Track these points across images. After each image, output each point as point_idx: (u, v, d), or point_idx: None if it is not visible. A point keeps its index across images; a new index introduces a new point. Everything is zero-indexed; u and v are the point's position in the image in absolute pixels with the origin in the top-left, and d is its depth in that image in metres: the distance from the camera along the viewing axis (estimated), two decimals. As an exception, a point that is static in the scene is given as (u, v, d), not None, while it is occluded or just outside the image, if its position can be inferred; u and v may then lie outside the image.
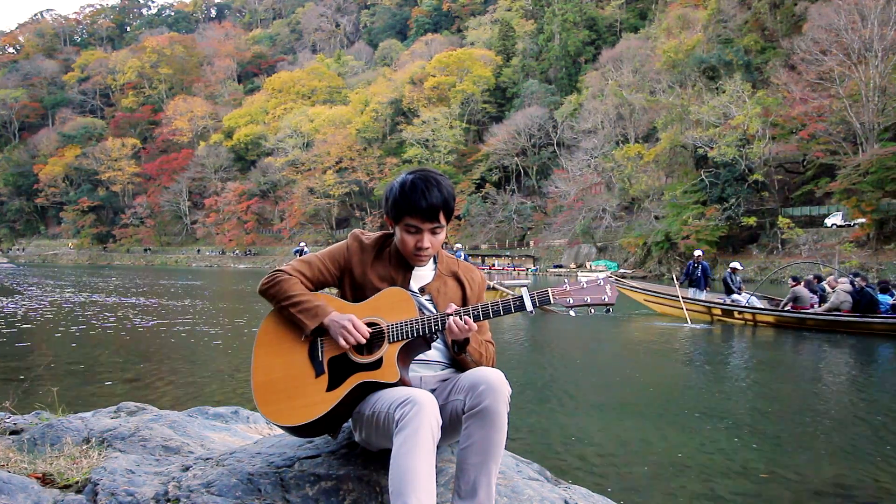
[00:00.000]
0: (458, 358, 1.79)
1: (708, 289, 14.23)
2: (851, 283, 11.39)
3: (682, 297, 13.33)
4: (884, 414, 5.61)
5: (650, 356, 9.15)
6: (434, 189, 1.70)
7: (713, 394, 6.48)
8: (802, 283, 12.47)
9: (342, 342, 1.68)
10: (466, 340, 1.74)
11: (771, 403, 6.07)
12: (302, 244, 26.16)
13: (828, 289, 12.76)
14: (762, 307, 12.91)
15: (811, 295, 12.32)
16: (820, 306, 12.12)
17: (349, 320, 1.69)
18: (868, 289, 11.11)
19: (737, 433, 4.88)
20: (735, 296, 13.50)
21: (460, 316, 1.68)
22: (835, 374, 7.79)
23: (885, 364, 8.80)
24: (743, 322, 12.77)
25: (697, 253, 14.47)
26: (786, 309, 12.16)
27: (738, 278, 13.92)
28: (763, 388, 6.86)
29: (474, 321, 1.70)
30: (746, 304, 13.10)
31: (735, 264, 14.41)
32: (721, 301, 13.41)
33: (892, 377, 7.77)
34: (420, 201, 1.69)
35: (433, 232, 1.75)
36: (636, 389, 6.63)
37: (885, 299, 11.20)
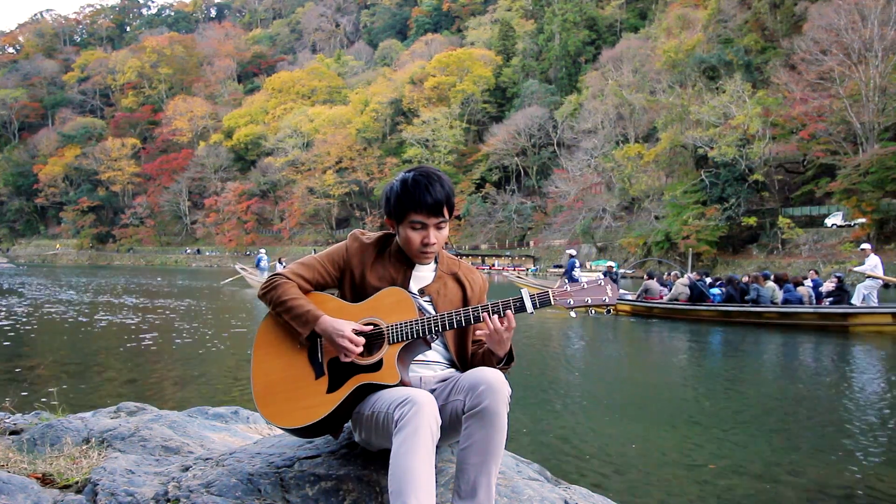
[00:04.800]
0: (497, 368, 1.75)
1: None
2: (690, 278, 13.40)
3: None
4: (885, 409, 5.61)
5: (640, 353, 9.15)
6: (436, 184, 1.72)
7: (708, 393, 6.48)
8: (655, 279, 14.72)
9: (344, 359, 1.70)
10: (510, 357, 1.78)
11: (765, 403, 6.07)
12: (261, 251, 25.95)
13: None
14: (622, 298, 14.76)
15: (661, 288, 14.31)
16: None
17: (345, 336, 1.68)
18: (699, 283, 13.02)
19: (735, 432, 4.88)
20: None
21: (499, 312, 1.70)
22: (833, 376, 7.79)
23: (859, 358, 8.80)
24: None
25: (572, 252, 16.77)
26: (639, 299, 13.98)
27: (618, 272, 16.28)
28: (757, 387, 6.86)
29: (474, 322, 1.70)
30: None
31: (610, 263, 17.22)
32: None
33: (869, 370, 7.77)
34: (425, 197, 1.70)
35: (438, 227, 1.76)
36: (635, 389, 6.63)
37: (715, 291, 13.11)
